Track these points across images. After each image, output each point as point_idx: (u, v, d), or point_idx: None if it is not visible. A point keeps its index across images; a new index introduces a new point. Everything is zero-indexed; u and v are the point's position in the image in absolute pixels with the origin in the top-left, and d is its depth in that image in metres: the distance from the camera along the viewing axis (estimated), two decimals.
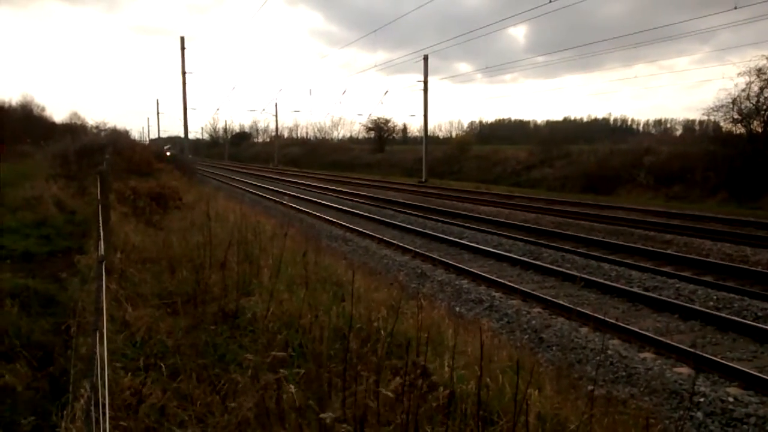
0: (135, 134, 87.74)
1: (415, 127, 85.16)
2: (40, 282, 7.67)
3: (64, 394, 4.12)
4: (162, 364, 4.64)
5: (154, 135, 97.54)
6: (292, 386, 3.81)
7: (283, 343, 5.09)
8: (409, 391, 3.43)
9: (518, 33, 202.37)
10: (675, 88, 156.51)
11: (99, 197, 8.64)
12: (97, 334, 3.18)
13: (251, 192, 31.95)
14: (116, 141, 35.83)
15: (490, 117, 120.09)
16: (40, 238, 11.02)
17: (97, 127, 58.30)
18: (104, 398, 2.75)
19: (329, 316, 5.78)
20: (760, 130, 27.74)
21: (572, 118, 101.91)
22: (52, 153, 28.89)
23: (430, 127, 48.57)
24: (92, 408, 2.95)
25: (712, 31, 70.22)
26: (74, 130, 48.85)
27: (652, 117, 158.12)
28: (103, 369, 3.01)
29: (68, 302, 6.51)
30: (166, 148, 60.51)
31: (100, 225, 7.75)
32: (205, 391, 4.23)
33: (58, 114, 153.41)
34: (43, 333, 5.79)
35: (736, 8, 22.43)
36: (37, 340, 5.59)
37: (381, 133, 73.27)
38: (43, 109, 61.15)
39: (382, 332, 5.11)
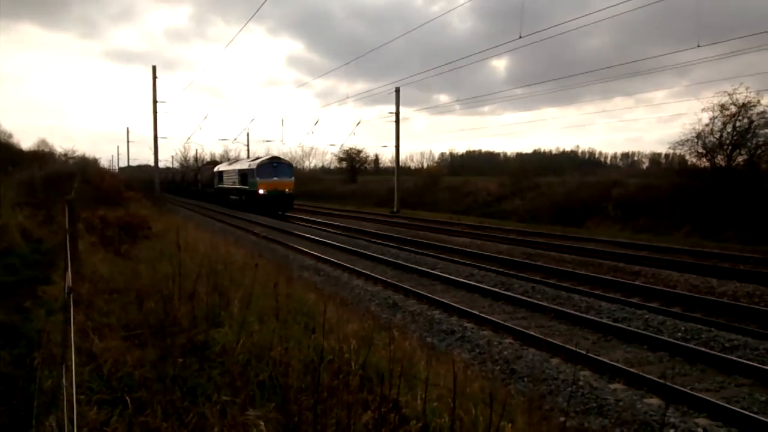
0: (104, 162, 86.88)
1: (387, 158, 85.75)
2: (3, 313, 7.50)
3: (27, 430, 4.01)
4: (128, 398, 4.55)
5: (123, 163, 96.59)
6: (261, 422, 3.76)
7: (253, 376, 5.03)
8: (381, 425, 3.40)
9: (500, 65, 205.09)
10: (650, 122, 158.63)
11: (67, 226, 8.51)
12: (64, 367, 3.12)
13: (222, 221, 31.68)
14: (85, 169, 35.51)
15: (461, 148, 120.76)
16: (4, 268, 10.80)
17: (65, 155, 57.70)
18: None
19: (300, 348, 5.73)
20: (723, 164, 28.43)
21: (542, 150, 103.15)
22: (18, 181, 28.39)
23: (402, 157, 48.95)
24: None
25: (690, 65, 72.52)
26: (42, 157, 48.19)
27: (622, 150, 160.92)
28: (69, 402, 2.94)
29: (33, 334, 6.36)
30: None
31: (68, 255, 7.63)
32: (172, 426, 4.14)
33: (25, 141, 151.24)
34: (5, 365, 5.65)
35: (699, 46, 23.21)
36: None
37: (353, 163, 73.54)
38: (9, 136, 60.15)
39: (354, 364, 5.07)
